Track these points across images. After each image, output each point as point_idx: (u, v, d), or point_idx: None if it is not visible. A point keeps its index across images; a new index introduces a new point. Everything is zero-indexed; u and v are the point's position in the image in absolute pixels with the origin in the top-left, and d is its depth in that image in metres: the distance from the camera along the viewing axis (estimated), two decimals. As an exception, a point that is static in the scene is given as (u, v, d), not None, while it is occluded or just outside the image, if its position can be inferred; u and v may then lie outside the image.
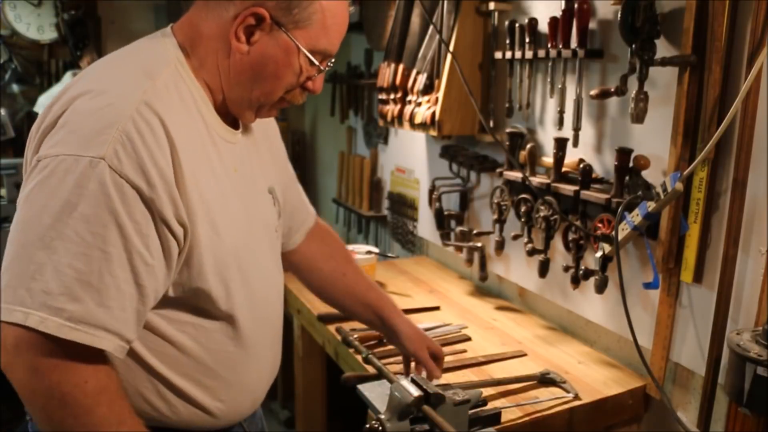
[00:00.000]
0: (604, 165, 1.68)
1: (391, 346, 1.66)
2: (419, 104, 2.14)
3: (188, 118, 1.02)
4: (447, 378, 1.56)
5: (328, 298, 1.50)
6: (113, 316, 0.91)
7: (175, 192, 0.95)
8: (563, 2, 1.66)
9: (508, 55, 1.88)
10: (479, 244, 2.09)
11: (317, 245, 1.47)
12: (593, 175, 1.64)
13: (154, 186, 0.93)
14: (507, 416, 1.38)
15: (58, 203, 0.88)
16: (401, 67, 2.24)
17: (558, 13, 1.68)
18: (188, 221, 0.98)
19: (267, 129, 1.28)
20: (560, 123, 1.73)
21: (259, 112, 1.10)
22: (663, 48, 1.43)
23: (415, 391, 1.14)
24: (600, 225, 1.57)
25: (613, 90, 1.49)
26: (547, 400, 1.46)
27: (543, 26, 1.77)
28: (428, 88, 2.13)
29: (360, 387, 1.37)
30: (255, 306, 1.13)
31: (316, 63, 1.05)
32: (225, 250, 1.05)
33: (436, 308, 2.02)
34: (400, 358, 1.62)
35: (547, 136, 1.86)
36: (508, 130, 1.89)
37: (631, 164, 1.51)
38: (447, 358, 1.64)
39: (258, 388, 1.20)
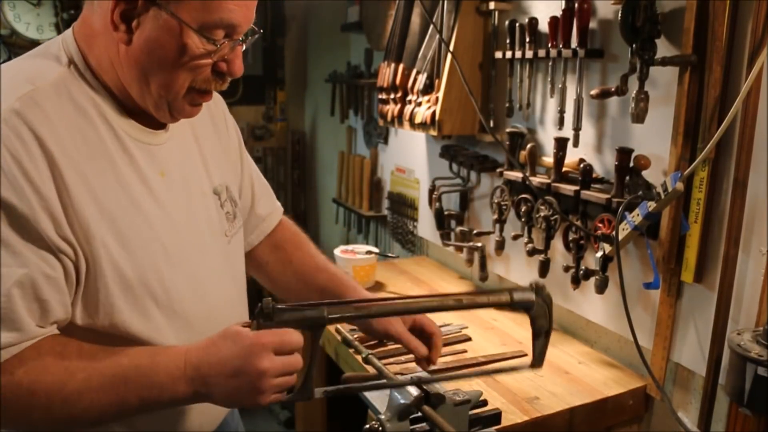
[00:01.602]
0: (604, 165, 1.68)
1: (391, 346, 1.65)
2: (419, 104, 2.13)
3: (81, 124, 0.92)
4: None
5: (280, 292, 1.35)
6: (15, 330, 0.87)
7: (56, 208, 0.87)
8: (563, 2, 1.66)
9: (509, 54, 1.87)
10: (479, 244, 2.08)
11: (264, 239, 1.33)
12: (594, 175, 1.63)
13: (27, 201, 0.85)
14: (507, 416, 1.38)
15: None
16: (401, 66, 2.24)
17: (558, 13, 1.68)
18: (77, 239, 0.89)
19: (216, 121, 1.17)
20: (560, 123, 1.73)
21: (174, 109, 0.97)
22: (663, 48, 1.43)
23: (415, 391, 1.13)
24: (600, 225, 1.56)
25: (613, 90, 1.49)
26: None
27: (543, 26, 1.77)
28: (428, 88, 2.12)
29: (360, 387, 1.37)
30: (192, 325, 1.03)
31: (213, 40, 0.91)
32: (140, 266, 0.95)
33: (436, 308, 2.02)
34: (400, 358, 1.62)
35: (547, 136, 1.85)
36: (508, 129, 1.89)
37: (631, 164, 1.51)
38: (447, 359, 1.64)
39: (206, 413, 1.08)
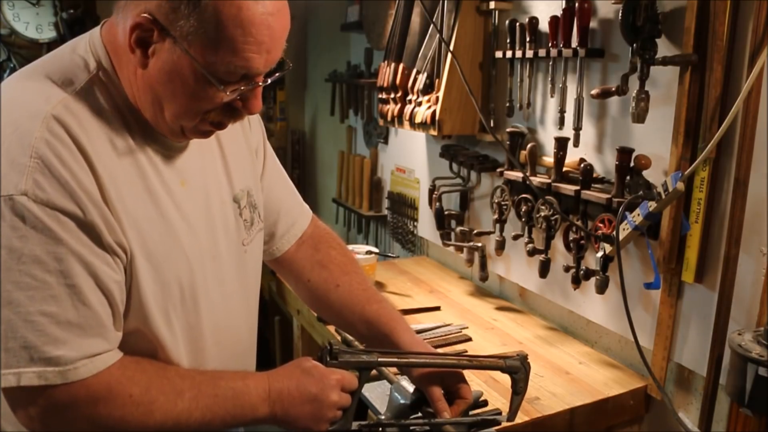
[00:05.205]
0: (605, 165, 1.67)
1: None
2: (419, 104, 2.13)
3: (110, 130, 0.90)
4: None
5: (319, 311, 1.37)
6: (103, 337, 0.89)
7: (107, 213, 0.87)
8: (564, 1, 1.65)
9: (509, 54, 1.87)
10: (480, 244, 2.08)
11: (307, 252, 1.29)
12: (594, 175, 1.63)
13: (87, 209, 0.85)
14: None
15: (1, 254, 0.81)
16: (401, 66, 2.23)
17: (559, 12, 1.68)
18: (126, 244, 0.90)
19: (243, 125, 1.15)
20: (561, 122, 1.73)
21: (187, 132, 0.95)
22: (664, 47, 1.43)
23: (411, 389, 1.13)
24: (601, 225, 1.56)
25: (614, 89, 1.49)
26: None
27: (544, 25, 1.77)
28: (428, 88, 2.12)
29: (360, 387, 1.36)
30: (203, 335, 1.03)
31: (226, 81, 0.87)
32: (163, 278, 0.95)
33: (437, 308, 2.02)
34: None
35: (547, 136, 1.85)
36: (508, 129, 1.89)
37: (632, 164, 1.50)
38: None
39: None
